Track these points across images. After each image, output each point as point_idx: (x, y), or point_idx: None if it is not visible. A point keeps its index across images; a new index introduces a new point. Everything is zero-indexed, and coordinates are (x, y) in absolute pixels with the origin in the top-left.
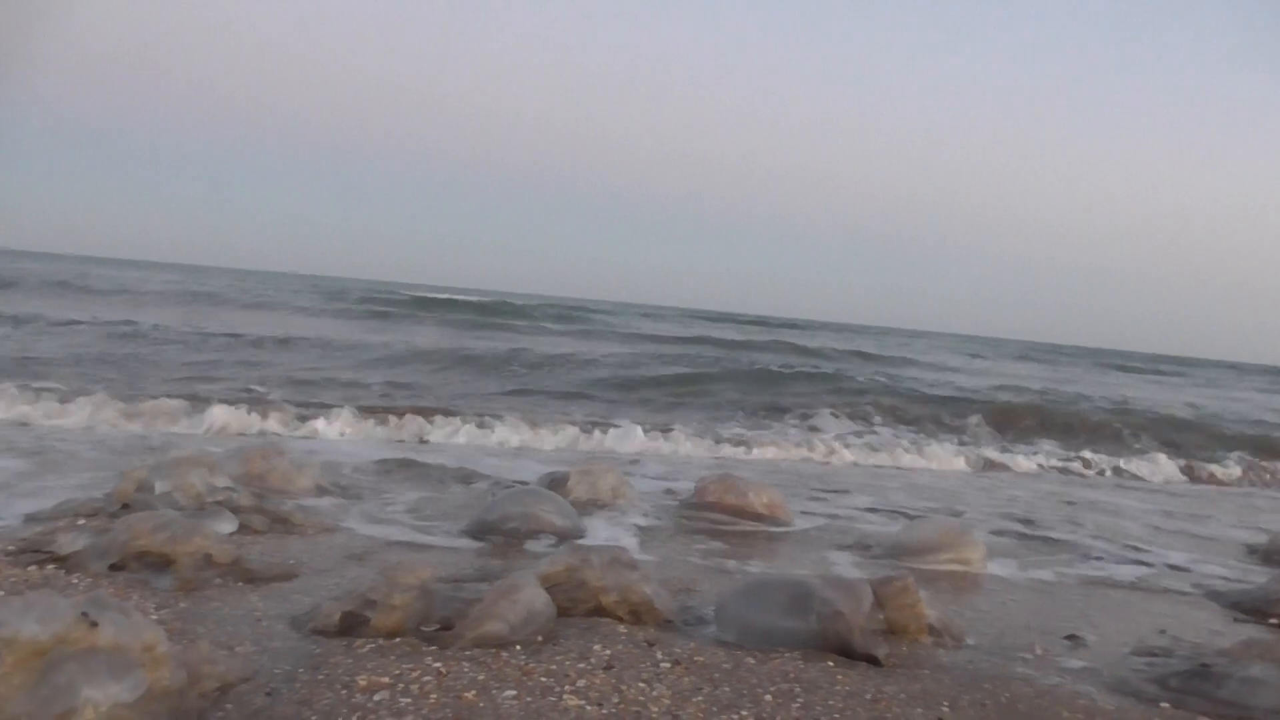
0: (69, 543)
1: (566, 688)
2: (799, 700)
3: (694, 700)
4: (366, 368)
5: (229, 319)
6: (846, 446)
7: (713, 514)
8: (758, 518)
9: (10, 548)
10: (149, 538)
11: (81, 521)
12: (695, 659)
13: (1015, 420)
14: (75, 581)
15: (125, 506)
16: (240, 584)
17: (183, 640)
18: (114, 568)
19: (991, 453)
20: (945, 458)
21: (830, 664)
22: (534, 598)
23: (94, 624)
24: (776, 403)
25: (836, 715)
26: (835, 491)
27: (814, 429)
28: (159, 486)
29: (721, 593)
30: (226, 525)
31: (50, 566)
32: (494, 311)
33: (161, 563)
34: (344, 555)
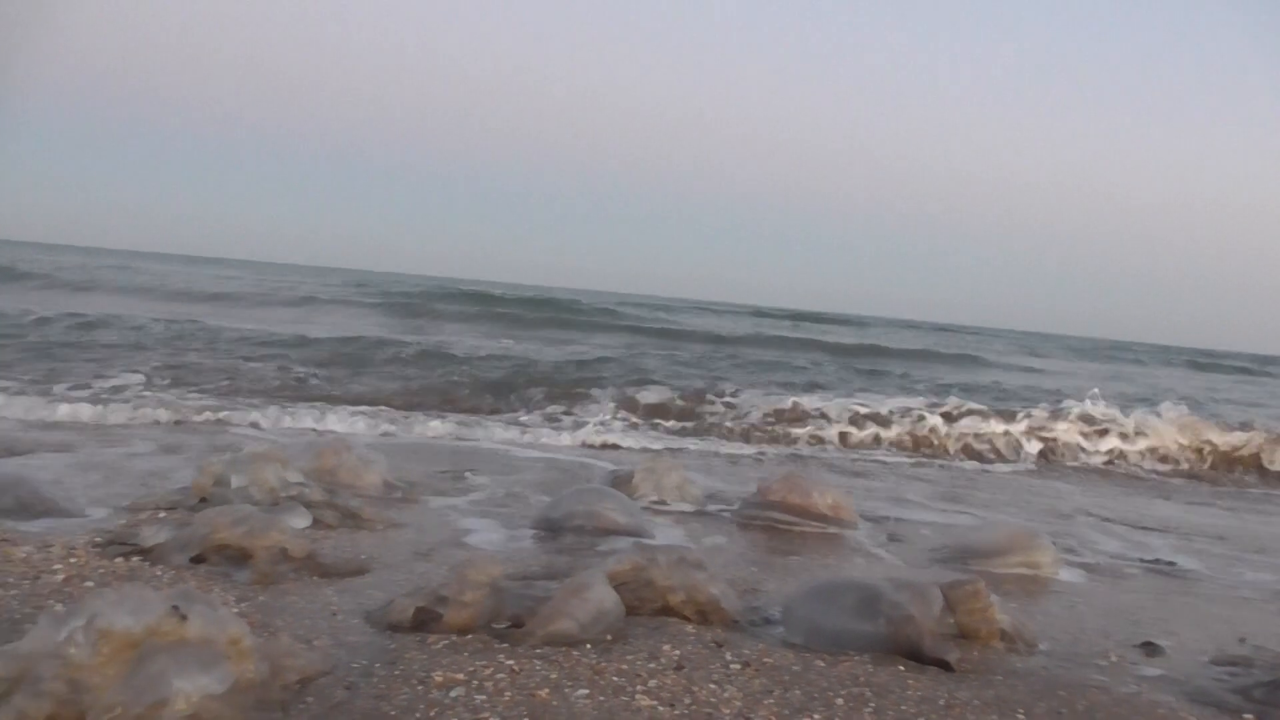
0: (152, 535)
1: (638, 688)
2: (871, 705)
3: (765, 703)
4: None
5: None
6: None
7: (775, 514)
8: (821, 519)
9: (97, 540)
10: (227, 531)
11: (163, 514)
12: (764, 660)
13: None
14: (159, 574)
15: (203, 500)
16: (315, 578)
17: (263, 633)
18: (195, 560)
19: None
20: None
21: (901, 668)
22: (603, 596)
23: (183, 617)
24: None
25: None
26: (894, 499)
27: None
28: (235, 481)
29: (788, 594)
30: (300, 520)
31: (135, 559)
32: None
33: (240, 556)
34: (412, 551)
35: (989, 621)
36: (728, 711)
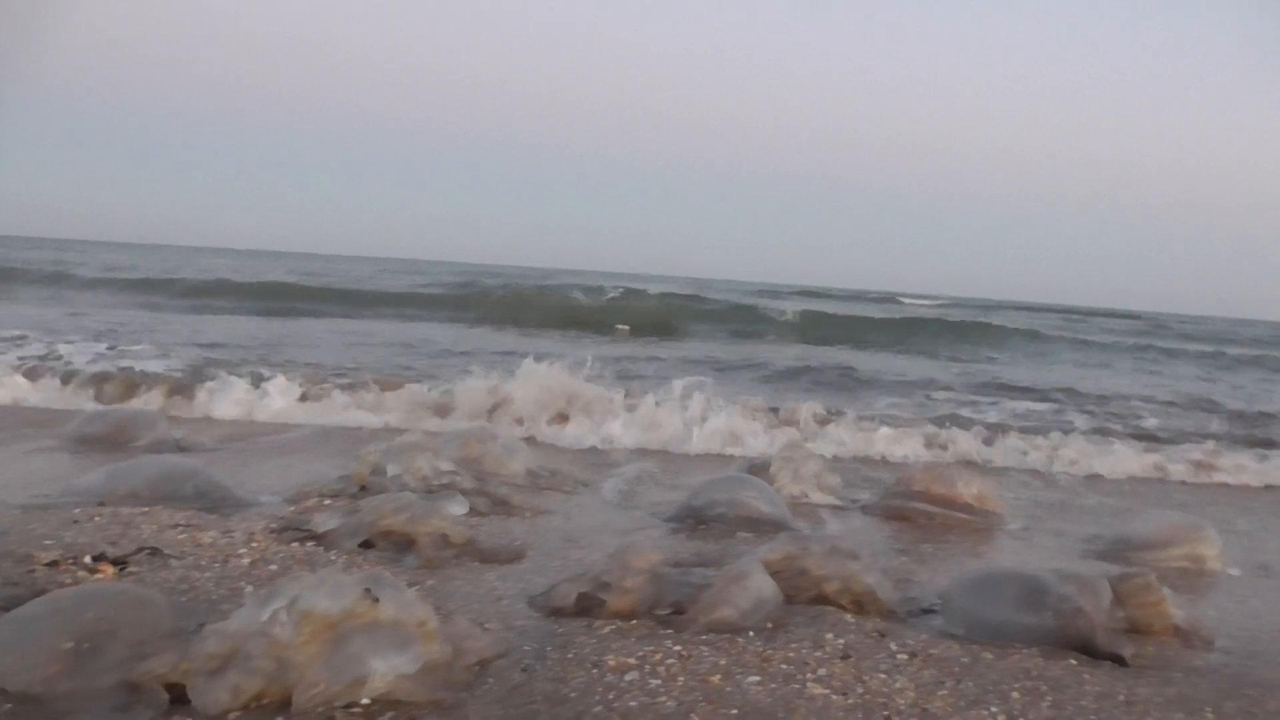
0: (324, 522)
1: (808, 676)
2: (1048, 699)
3: (938, 694)
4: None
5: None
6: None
7: (918, 504)
8: (967, 509)
9: (273, 525)
10: (392, 518)
11: (327, 501)
12: (930, 652)
13: None
14: (334, 558)
15: (363, 488)
16: (475, 563)
17: (439, 616)
18: (363, 545)
19: None
20: None
21: (1073, 662)
22: (763, 585)
23: (376, 600)
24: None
25: (1091, 717)
26: (1038, 490)
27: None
28: (390, 470)
29: (944, 584)
30: (459, 507)
31: (310, 544)
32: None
33: (404, 542)
34: (562, 538)
35: (1162, 616)
36: (901, 702)
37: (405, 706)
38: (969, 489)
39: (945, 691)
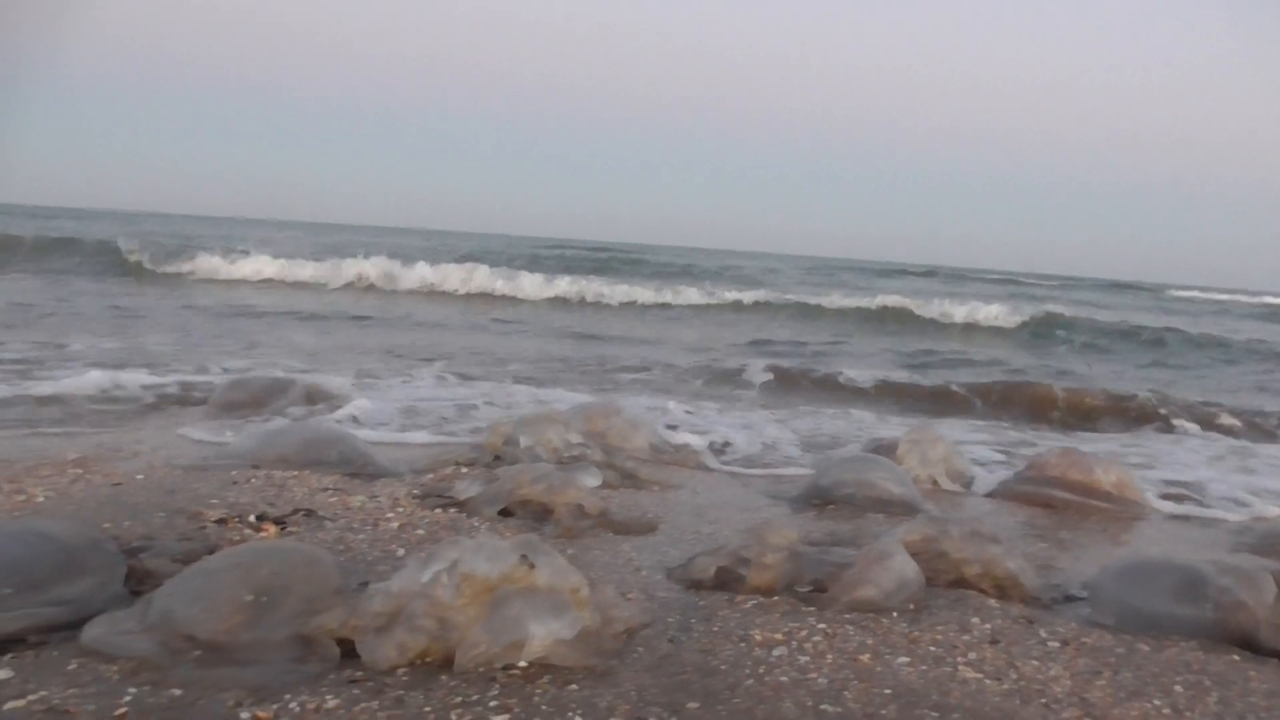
0: (464, 489)
1: (959, 659)
2: (1213, 695)
3: (1096, 684)
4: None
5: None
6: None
7: (1053, 490)
8: (1105, 496)
9: (415, 491)
10: (530, 488)
11: (464, 470)
12: (1083, 640)
13: None
14: (476, 524)
15: (496, 458)
16: (610, 534)
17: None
18: (502, 513)
19: None
20: None
21: (1235, 658)
22: (904, 566)
23: (531, 566)
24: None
25: (1262, 715)
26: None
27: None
28: (523, 441)
29: (1091, 572)
30: (592, 479)
31: (452, 510)
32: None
33: (541, 511)
34: (691, 512)
35: None
36: (1059, 690)
37: (561, 671)
38: (1108, 476)
39: (1103, 682)
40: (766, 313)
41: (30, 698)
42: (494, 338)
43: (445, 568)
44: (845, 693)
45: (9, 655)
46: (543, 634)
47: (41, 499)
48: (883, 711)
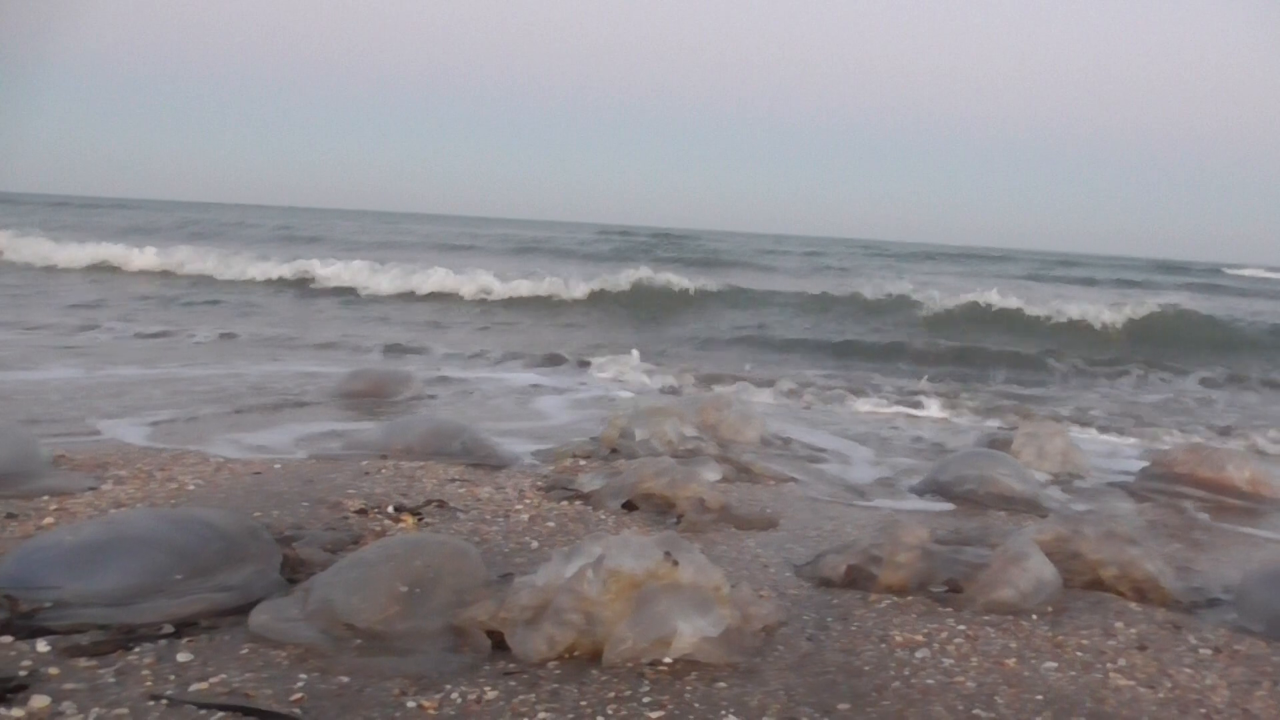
0: (589, 482)
1: (1109, 666)
2: None
3: (1256, 694)
4: None
5: None
6: None
7: (1183, 487)
8: (1239, 494)
9: (539, 484)
10: (653, 481)
11: (582, 462)
12: (1235, 648)
13: None
14: (602, 517)
15: (614, 451)
16: (732, 529)
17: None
18: (625, 506)
19: None
20: None
21: None
22: (1042, 567)
23: (675, 563)
24: None
25: None
26: None
27: None
28: (638, 434)
29: (1232, 575)
30: (712, 474)
31: (578, 503)
32: None
33: (664, 505)
34: (808, 507)
35: None
36: (1217, 700)
37: (706, 669)
38: (1241, 473)
39: (1263, 692)
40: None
41: (212, 680)
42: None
43: (590, 563)
44: (996, 698)
45: (186, 639)
46: (689, 631)
47: (192, 487)
48: (1037, 718)
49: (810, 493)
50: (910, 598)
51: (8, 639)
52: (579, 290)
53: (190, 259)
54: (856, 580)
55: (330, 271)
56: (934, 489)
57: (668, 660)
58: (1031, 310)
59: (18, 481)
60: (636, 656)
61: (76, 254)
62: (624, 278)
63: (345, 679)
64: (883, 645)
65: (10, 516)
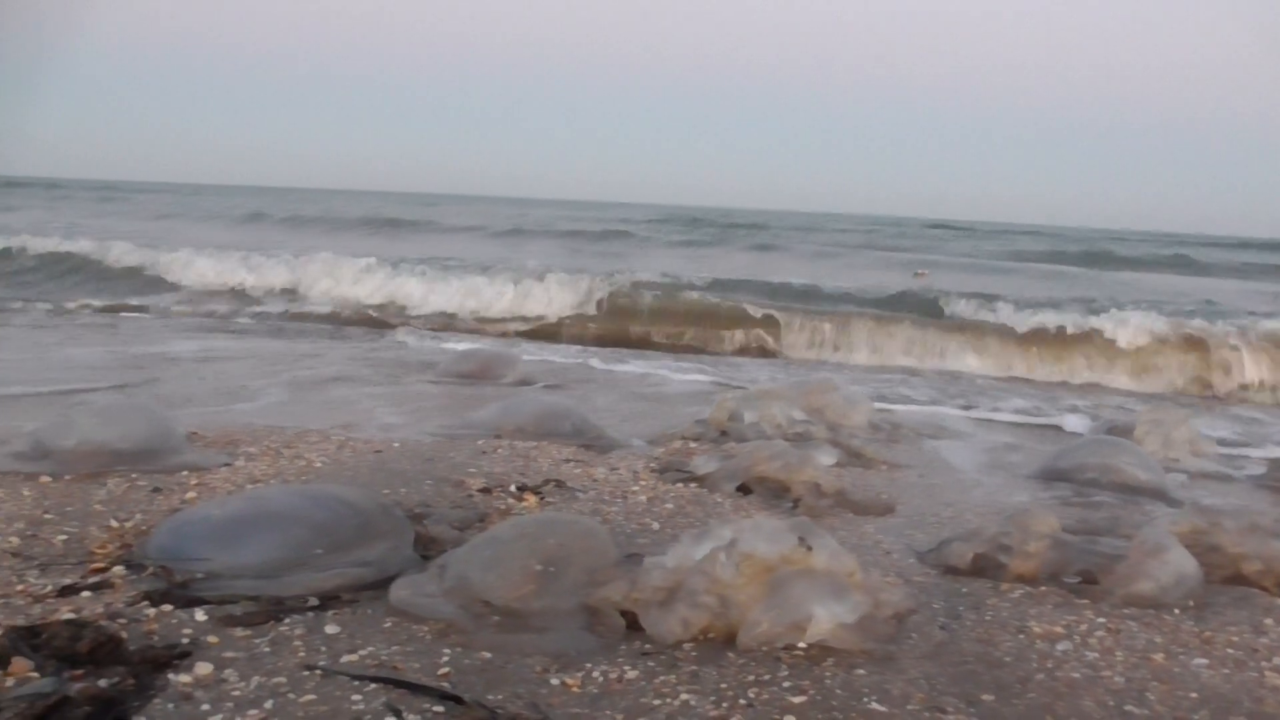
0: (703, 465)
1: (1263, 664)
2: None
3: None
4: None
5: None
6: None
7: None
8: None
9: (653, 465)
10: (767, 465)
11: (692, 444)
12: None
13: None
14: (719, 500)
15: (723, 433)
16: (850, 514)
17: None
18: (740, 490)
19: None
20: None
21: None
22: (1182, 560)
23: (809, 549)
24: None
25: None
26: None
27: None
28: (747, 417)
29: None
30: (828, 458)
31: (693, 485)
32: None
33: (778, 488)
34: (923, 492)
35: None
36: None
37: (841, 655)
38: None
39: None
40: None
41: (361, 652)
42: None
43: (723, 546)
44: (1147, 694)
45: (330, 612)
46: (825, 616)
47: (319, 464)
48: (1194, 717)
49: (924, 477)
50: (1043, 588)
51: (168, 608)
52: None
53: None
54: (984, 569)
55: None
56: (1054, 476)
57: (802, 645)
58: None
59: (159, 457)
60: (771, 640)
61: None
62: None
63: (487, 655)
64: (1021, 636)
65: (156, 490)
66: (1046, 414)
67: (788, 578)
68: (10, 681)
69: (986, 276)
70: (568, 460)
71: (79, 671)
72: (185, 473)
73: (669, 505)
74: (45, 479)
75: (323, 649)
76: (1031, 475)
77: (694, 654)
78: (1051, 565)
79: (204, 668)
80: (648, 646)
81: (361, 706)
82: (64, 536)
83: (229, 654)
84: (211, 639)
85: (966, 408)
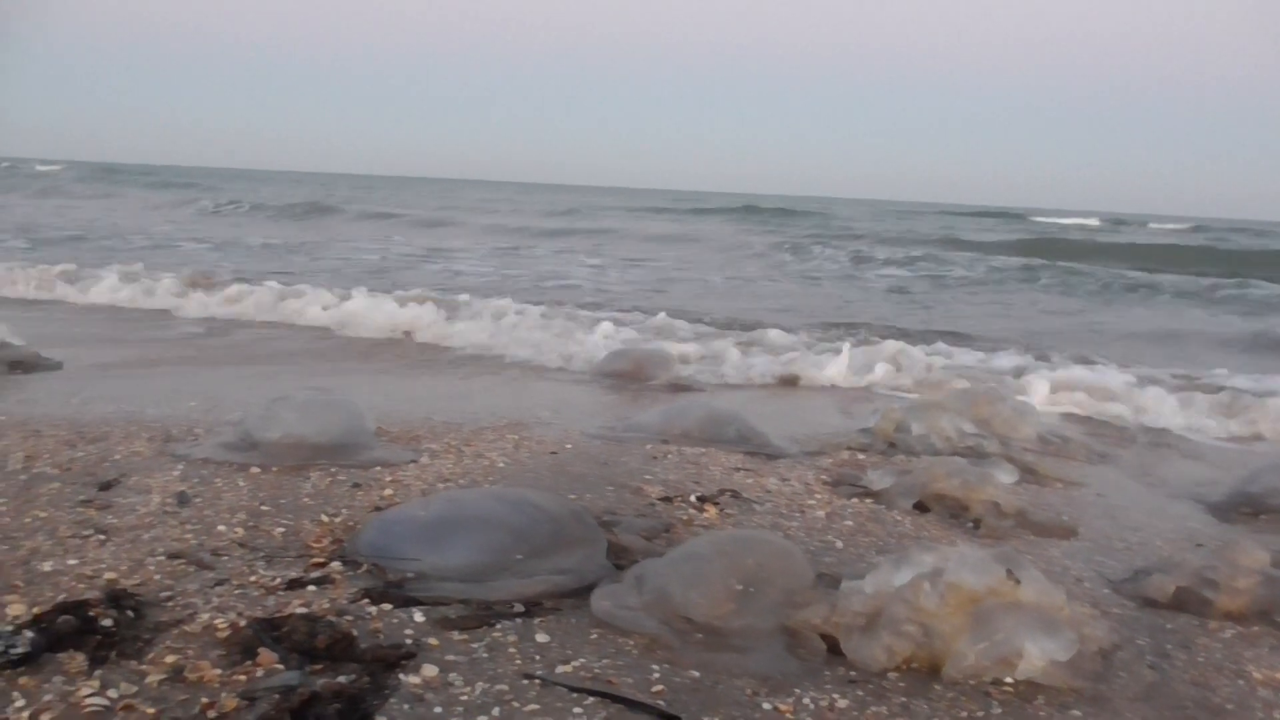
0: (878, 480)
1: None
2: None
3: None
4: None
5: None
6: None
7: None
8: None
9: (824, 477)
10: (945, 482)
11: (860, 456)
12: None
13: None
14: (898, 518)
15: (891, 445)
16: (1031, 537)
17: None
18: (917, 507)
19: None
20: None
21: None
22: None
23: (1017, 581)
24: None
25: None
26: None
27: None
28: (914, 428)
29: None
30: (1007, 476)
31: (868, 500)
32: None
33: (956, 507)
34: (1103, 514)
35: None
36: None
37: (1051, 692)
38: None
39: None
40: None
41: (574, 664)
42: None
43: (925, 574)
44: None
45: (537, 619)
46: (1037, 653)
47: (502, 464)
48: None
49: (1103, 497)
50: (1255, 628)
51: (387, 607)
52: None
53: None
54: (1187, 603)
55: None
56: (1243, 501)
57: (1009, 680)
58: None
59: (352, 452)
60: (978, 674)
61: None
62: None
63: (696, 673)
64: (1240, 682)
65: (356, 486)
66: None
67: (994, 610)
68: (260, 672)
69: None
70: (738, 469)
71: (318, 666)
72: (378, 468)
73: (848, 522)
74: (255, 470)
75: (537, 658)
76: (1219, 498)
77: (901, 684)
78: (1261, 603)
79: (430, 670)
80: (853, 674)
81: None
82: (281, 529)
83: (450, 657)
84: (432, 641)
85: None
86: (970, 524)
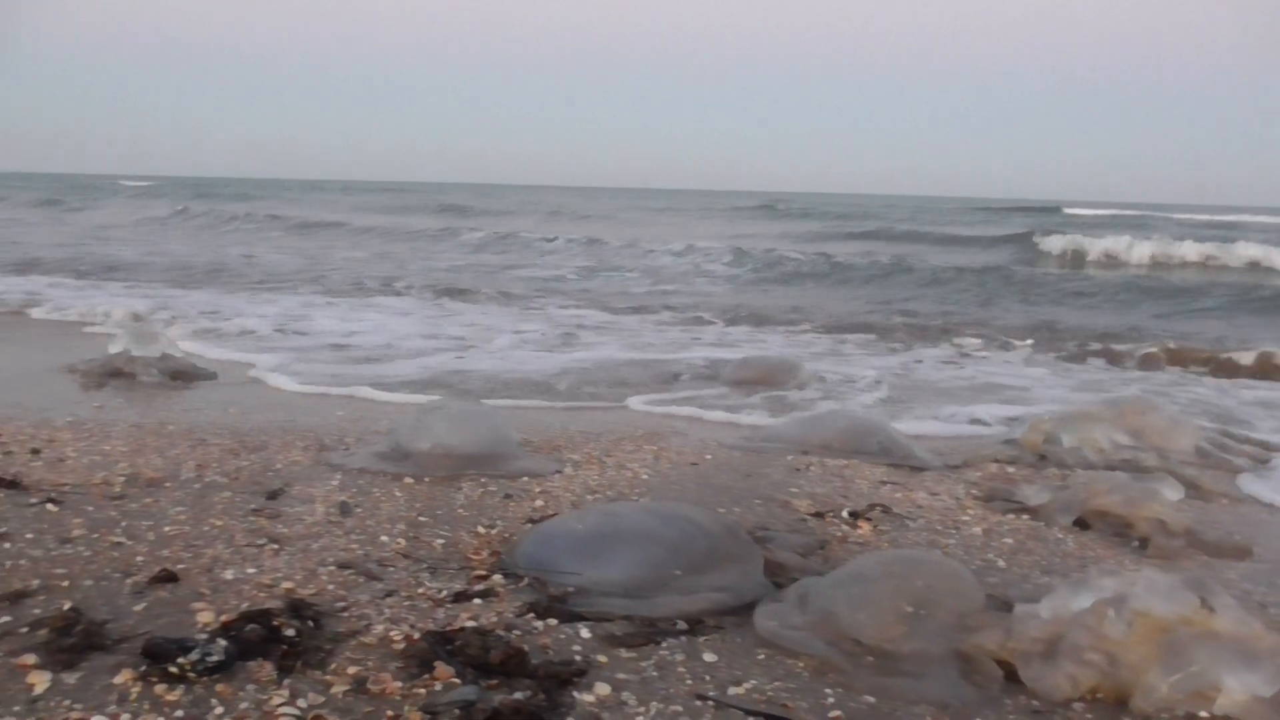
0: (1034, 495)
1: None
2: None
3: None
4: None
5: None
6: None
7: None
8: None
9: (975, 492)
10: (1105, 498)
11: (1010, 469)
12: None
13: None
14: (1059, 536)
15: (1042, 457)
16: (1202, 556)
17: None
18: (1077, 524)
19: None
20: None
21: None
22: None
23: (1211, 609)
24: None
25: None
26: None
27: None
28: (1065, 440)
29: None
30: (1173, 492)
31: (1025, 516)
32: None
33: (1119, 525)
34: (1275, 535)
35: None
36: None
37: None
38: None
39: None
40: None
41: (745, 685)
42: None
43: (1109, 600)
44: None
45: (701, 638)
46: (1238, 687)
47: (645, 476)
48: None
49: (1276, 515)
50: None
51: (553, 622)
52: None
53: None
54: None
55: None
56: None
57: (1204, 715)
58: None
59: (499, 462)
60: (1171, 708)
61: None
62: None
63: (871, 699)
64: None
65: (507, 497)
66: None
67: (1186, 640)
68: (437, 686)
69: None
70: (884, 483)
71: (493, 682)
72: (525, 479)
73: (1008, 540)
74: (409, 480)
75: (706, 678)
76: None
77: (1088, 716)
78: None
79: (603, 688)
80: (1035, 704)
81: None
82: (441, 540)
83: (621, 675)
84: (600, 658)
85: None
86: (1136, 543)
